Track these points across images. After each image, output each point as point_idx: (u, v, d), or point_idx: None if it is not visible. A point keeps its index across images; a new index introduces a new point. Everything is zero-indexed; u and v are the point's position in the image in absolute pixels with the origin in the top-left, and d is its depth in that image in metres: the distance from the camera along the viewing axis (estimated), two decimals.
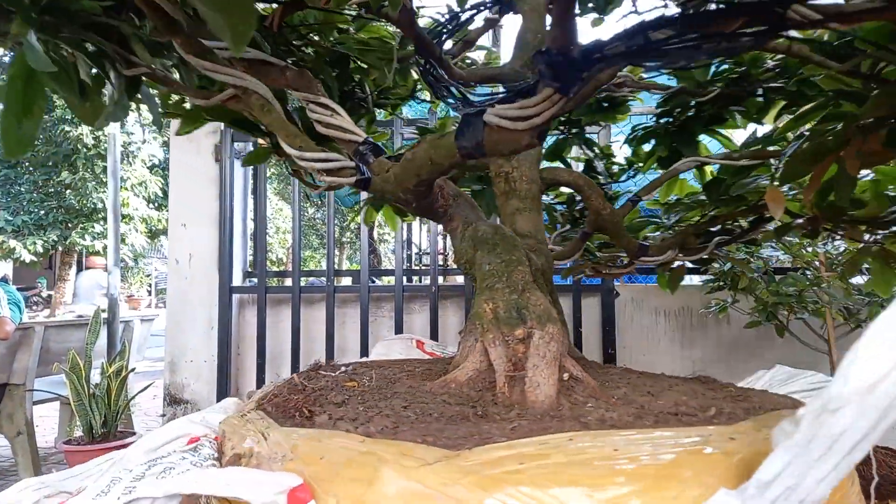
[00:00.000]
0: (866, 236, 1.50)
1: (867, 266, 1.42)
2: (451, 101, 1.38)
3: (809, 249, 2.58)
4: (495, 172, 1.58)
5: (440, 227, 2.26)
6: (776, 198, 1.23)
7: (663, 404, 1.06)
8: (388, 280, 3.74)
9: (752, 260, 2.59)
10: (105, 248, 12.48)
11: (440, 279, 3.44)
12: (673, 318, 3.17)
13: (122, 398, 3.52)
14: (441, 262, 3.19)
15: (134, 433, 3.66)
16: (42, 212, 13.54)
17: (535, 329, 1.15)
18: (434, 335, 3.31)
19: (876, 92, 0.88)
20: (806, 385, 1.41)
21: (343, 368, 1.36)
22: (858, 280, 2.56)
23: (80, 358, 3.42)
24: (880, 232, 1.46)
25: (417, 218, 2.89)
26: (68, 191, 13.44)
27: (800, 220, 1.50)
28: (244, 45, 0.50)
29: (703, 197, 1.70)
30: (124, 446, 3.45)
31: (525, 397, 1.07)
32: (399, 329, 3.33)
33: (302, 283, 3.58)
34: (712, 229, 1.78)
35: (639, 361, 3.14)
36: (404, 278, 3.46)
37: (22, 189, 13.75)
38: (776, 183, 1.32)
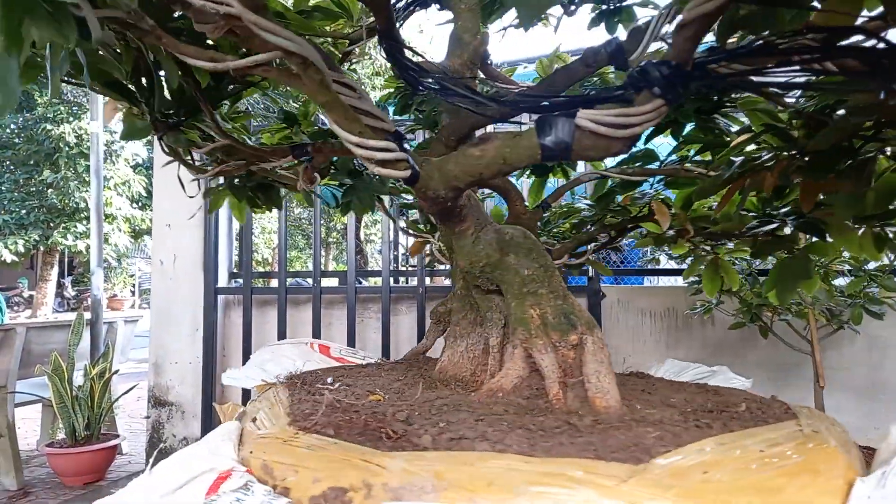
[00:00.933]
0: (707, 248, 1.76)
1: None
2: (425, 86, 1.30)
3: None
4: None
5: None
6: (663, 212, 1.45)
7: (692, 403, 1.13)
8: (375, 281, 3.73)
9: (735, 262, 2.61)
10: (88, 248, 12.34)
11: (427, 280, 3.44)
12: (658, 319, 3.19)
13: (106, 400, 3.48)
14: (428, 264, 3.19)
15: (117, 435, 3.63)
16: (23, 211, 13.38)
17: (587, 335, 1.15)
18: (420, 337, 3.30)
19: (823, 131, 0.91)
20: (695, 375, 1.72)
21: (330, 380, 1.34)
22: (841, 282, 2.59)
23: (62, 360, 3.38)
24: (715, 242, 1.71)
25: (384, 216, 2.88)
26: (50, 190, 13.29)
27: (671, 232, 1.64)
28: None
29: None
30: (108, 449, 3.43)
31: (587, 403, 1.07)
32: (387, 331, 3.32)
33: (288, 284, 3.57)
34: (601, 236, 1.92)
35: (627, 362, 3.16)
36: (391, 279, 3.46)
37: (3, 188, 13.57)
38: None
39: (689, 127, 1.48)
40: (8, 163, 13.68)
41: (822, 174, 0.97)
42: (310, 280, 3.54)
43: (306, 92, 0.97)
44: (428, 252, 2.82)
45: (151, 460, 0.90)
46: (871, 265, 2.43)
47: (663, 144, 1.55)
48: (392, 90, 1.87)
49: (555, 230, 2.09)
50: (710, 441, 0.84)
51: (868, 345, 2.94)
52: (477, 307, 1.42)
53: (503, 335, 1.32)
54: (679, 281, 3.48)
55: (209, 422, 3.48)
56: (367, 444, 0.87)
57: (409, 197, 2.20)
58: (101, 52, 1.02)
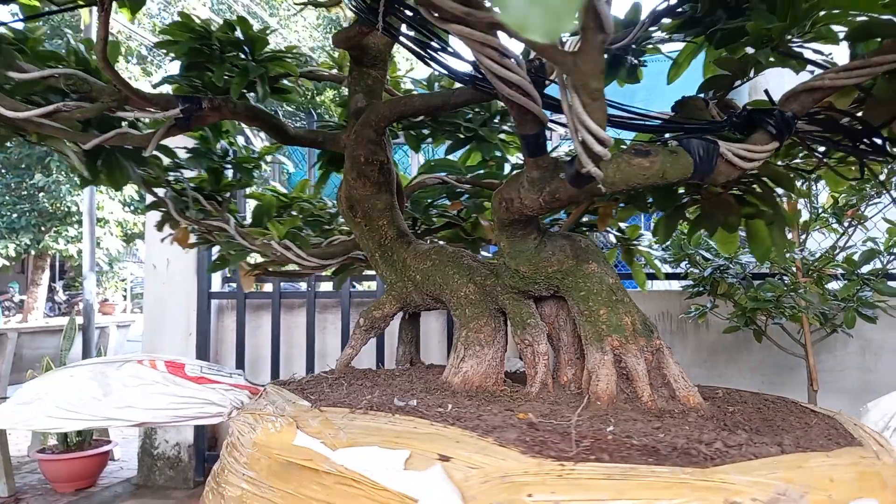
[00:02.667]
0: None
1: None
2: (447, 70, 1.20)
3: (787, 255, 2.62)
4: (369, 159, 1.59)
5: None
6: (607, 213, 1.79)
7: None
8: (370, 285, 3.72)
9: (730, 266, 2.62)
10: (80, 252, 12.27)
11: None
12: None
13: None
14: None
15: (109, 441, 3.60)
16: (14, 215, 13.27)
17: (661, 340, 1.27)
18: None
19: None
20: None
21: (413, 402, 1.17)
22: (834, 286, 2.60)
23: (54, 365, 3.36)
24: None
25: None
26: (41, 193, 13.19)
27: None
28: None
29: None
30: (100, 455, 3.40)
31: (676, 402, 1.20)
32: (381, 335, 3.29)
33: (282, 287, 3.55)
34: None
35: None
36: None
37: None
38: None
39: None
40: None
41: None
42: (302, 284, 3.53)
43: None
44: None
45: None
46: (864, 269, 2.45)
47: None
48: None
49: None
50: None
51: (861, 348, 2.96)
52: (496, 314, 1.41)
53: (548, 342, 1.35)
54: (674, 285, 3.49)
55: (202, 428, 3.46)
56: (686, 465, 0.84)
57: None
58: None
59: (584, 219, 1.96)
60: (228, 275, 3.73)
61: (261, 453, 1.08)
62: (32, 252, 13.66)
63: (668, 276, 3.36)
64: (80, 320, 3.85)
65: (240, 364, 3.42)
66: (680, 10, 1.24)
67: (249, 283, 2.14)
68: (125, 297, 20.46)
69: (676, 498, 0.77)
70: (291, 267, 1.91)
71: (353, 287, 3.55)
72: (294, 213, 2.05)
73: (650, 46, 1.47)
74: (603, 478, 0.81)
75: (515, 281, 1.35)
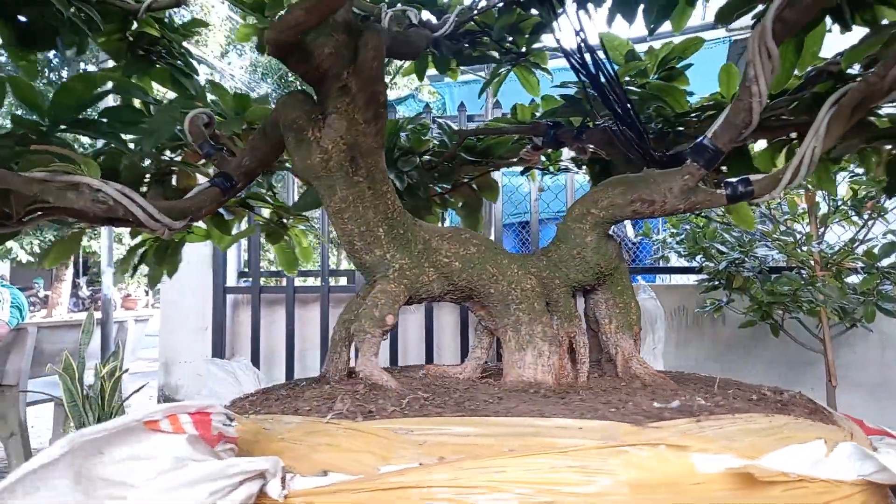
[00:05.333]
0: None
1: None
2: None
3: (804, 249, 2.58)
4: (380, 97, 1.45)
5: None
6: None
7: None
8: None
9: (746, 259, 2.58)
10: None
11: None
12: (669, 318, 3.16)
13: (116, 399, 3.51)
14: None
15: None
16: None
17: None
18: (429, 336, 3.30)
19: None
20: None
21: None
22: (854, 279, 2.55)
23: (73, 359, 3.41)
24: None
25: None
26: None
27: None
28: None
29: None
30: None
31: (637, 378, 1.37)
32: (394, 329, 3.30)
33: (299, 284, 3.57)
34: None
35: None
36: None
37: None
38: None
39: None
40: None
41: None
42: (318, 279, 3.54)
43: None
44: None
45: None
46: (885, 262, 2.40)
47: None
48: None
49: None
50: None
51: (881, 343, 2.90)
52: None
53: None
54: (690, 279, 3.45)
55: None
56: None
57: None
58: None
59: None
60: (244, 269, 3.76)
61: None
62: None
63: (684, 270, 3.32)
64: (98, 315, 3.90)
65: (255, 359, 3.44)
66: None
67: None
68: (147, 292, 20.74)
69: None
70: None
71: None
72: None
73: None
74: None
75: (584, 275, 1.42)
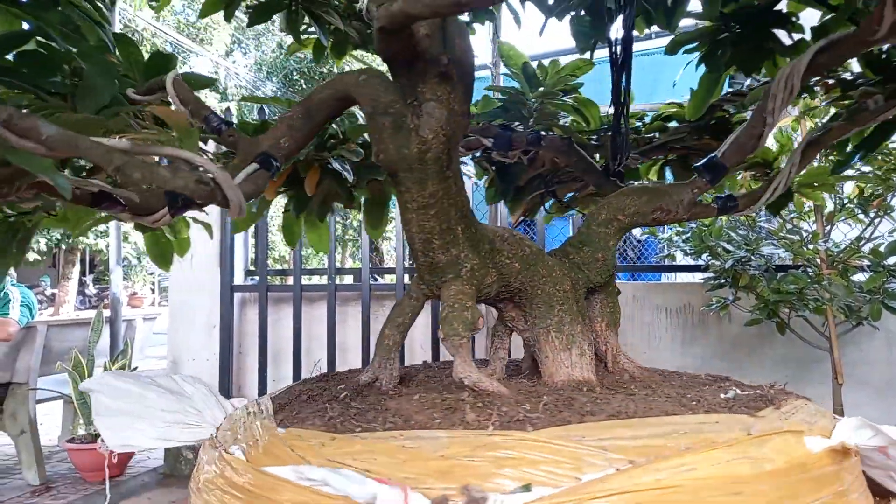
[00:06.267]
0: None
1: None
2: None
3: (811, 247, 2.58)
4: None
5: None
6: None
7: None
8: (391, 278, 3.73)
9: (752, 258, 2.58)
10: (108, 246, 12.49)
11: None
12: (674, 316, 3.17)
13: None
14: None
15: None
16: None
17: None
18: (435, 335, 3.31)
19: None
20: None
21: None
22: (860, 277, 2.55)
23: (82, 357, 3.43)
24: None
25: None
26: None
27: None
28: None
29: None
30: None
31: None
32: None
33: (306, 282, 3.59)
34: None
35: (640, 359, 3.12)
36: (406, 276, 3.47)
37: None
38: None
39: None
40: None
41: None
42: (325, 278, 3.56)
43: None
44: None
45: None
46: (891, 260, 2.40)
47: None
48: None
49: None
50: None
51: (887, 341, 2.90)
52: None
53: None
54: (695, 277, 3.45)
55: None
56: None
57: None
58: None
59: None
60: (251, 268, 3.78)
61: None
62: (63, 246, 13.95)
63: (689, 269, 3.32)
64: (107, 313, 3.93)
65: (262, 357, 3.46)
66: None
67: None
68: (153, 290, 20.82)
69: None
70: None
71: (375, 279, 3.57)
72: None
73: None
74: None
75: (601, 277, 1.48)
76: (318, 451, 0.87)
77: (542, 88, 1.66)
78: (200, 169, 0.90)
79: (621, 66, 1.57)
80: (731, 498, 0.83)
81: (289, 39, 1.72)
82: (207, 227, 1.45)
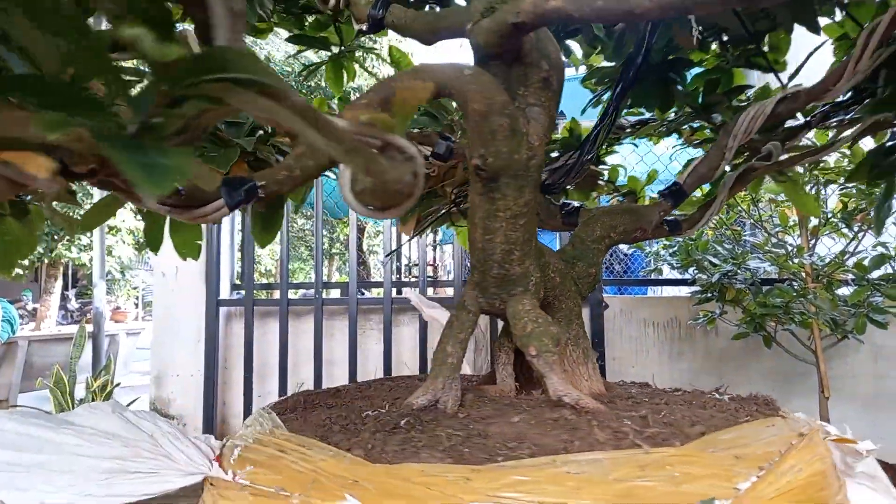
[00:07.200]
0: None
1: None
2: None
3: (796, 261, 2.60)
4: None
5: (428, 238, 2.24)
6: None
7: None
8: (378, 292, 3.72)
9: (739, 271, 2.60)
10: (92, 260, 12.36)
11: (430, 291, 3.43)
12: (661, 330, 3.18)
13: None
14: (430, 274, 3.18)
15: None
16: None
17: None
18: (423, 347, 3.29)
19: None
20: None
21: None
22: (844, 291, 2.57)
23: (64, 373, 3.38)
24: None
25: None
26: (54, 202, 13.32)
27: None
28: None
29: None
30: None
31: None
32: (388, 342, 3.30)
33: (293, 296, 3.56)
34: None
35: (628, 373, 3.14)
36: (393, 290, 3.45)
37: None
38: None
39: None
40: None
41: None
42: (312, 291, 3.53)
43: None
44: (432, 262, 2.79)
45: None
46: (875, 274, 2.42)
47: None
48: None
49: None
50: None
51: (873, 354, 2.93)
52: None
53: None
54: (682, 291, 3.47)
55: (211, 434, 3.47)
56: None
57: None
58: None
59: None
60: (237, 282, 3.75)
61: None
62: (45, 260, 13.78)
63: (676, 283, 3.34)
64: (90, 328, 3.88)
65: (248, 371, 3.42)
66: None
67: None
68: (137, 304, 20.59)
69: None
70: None
71: (362, 293, 3.56)
72: None
73: None
74: None
75: (587, 291, 1.49)
76: (464, 486, 0.75)
77: None
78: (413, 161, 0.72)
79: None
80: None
81: (277, 54, 1.71)
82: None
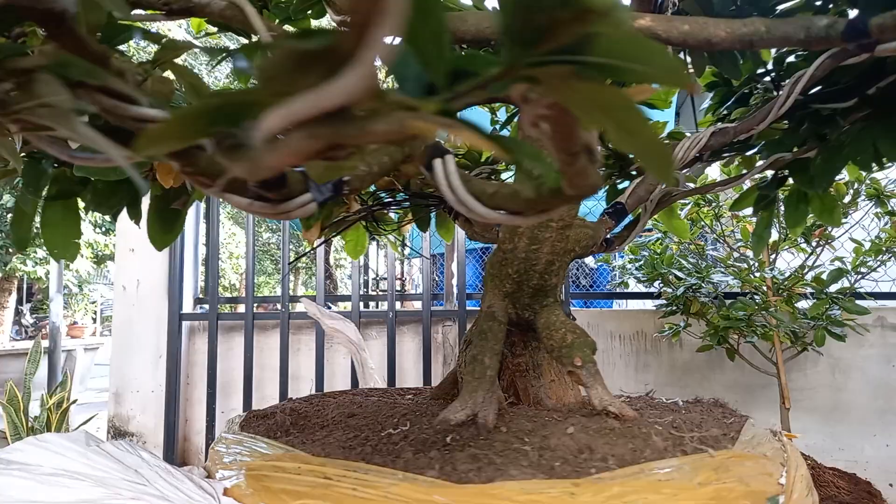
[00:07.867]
0: None
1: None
2: None
3: (757, 275, 2.66)
4: None
5: (396, 252, 2.22)
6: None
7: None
8: (345, 306, 3.68)
9: (703, 285, 2.65)
10: (48, 274, 12.02)
11: (398, 304, 3.41)
12: (627, 342, 3.21)
13: (64, 431, 3.36)
14: (399, 288, 3.16)
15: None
16: None
17: None
18: (392, 361, 3.27)
19: None
20: None
21: None
22: (804, 304, 2.64)
23: (18, 389, 3.26)
24: None
25: (374, 243, 2.85)
26: (10, 214, 12.95)
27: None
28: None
29: None
30: None
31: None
32: (393, 352, 3.26)
33: (256, 310, 3.50)
34: None
35: None
36: (361, 304, 3.42)
37: None
38: None
39: None
40: None
41: None
42: (278, 305, 3.49)
43: None
44: (399, 276, 2.78)
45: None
46: (833, 288, 2.49)
47: None
48: None
49: None
50: None
51: (831, 367, 3.00)
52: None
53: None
54: (648, 304, 3.51)
55: (171, 452, 3.38)
56: None
57: None
58: None
59: None
60: (200, 296, 3.67)
61: None
62: None
63: (642, 296, 3.38)
64: (45, 343, 3.75)
65: (211, 387, 3.35)
66: None
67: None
68: (94, 319, 20.03)
69: None
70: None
71: (329, 307, 3.51)
72: None
73: None
74: None
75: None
76: (571, 501, 0.74)
77: None
78: None
79: None
80: None
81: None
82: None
